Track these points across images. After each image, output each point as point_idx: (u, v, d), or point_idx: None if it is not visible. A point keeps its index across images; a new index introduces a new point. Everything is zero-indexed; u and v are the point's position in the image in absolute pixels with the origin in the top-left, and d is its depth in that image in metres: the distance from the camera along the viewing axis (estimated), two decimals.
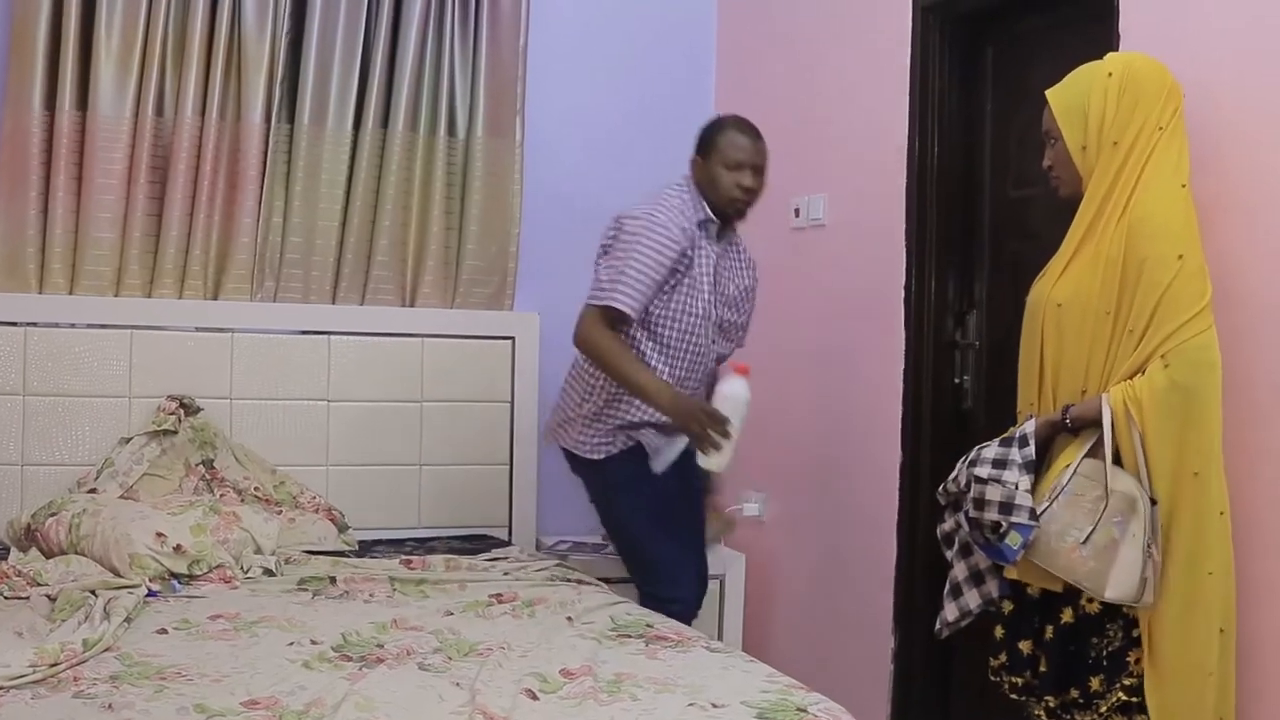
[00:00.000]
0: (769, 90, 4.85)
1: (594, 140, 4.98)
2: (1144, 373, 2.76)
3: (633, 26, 5.04)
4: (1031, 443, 2.87)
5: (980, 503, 2.87)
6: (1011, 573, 2.96)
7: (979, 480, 2.88)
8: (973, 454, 2.98)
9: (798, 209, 4.61)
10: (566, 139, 4.93)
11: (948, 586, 3.11)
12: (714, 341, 3.87)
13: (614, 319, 3.69)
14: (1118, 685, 2.82)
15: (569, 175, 4.93)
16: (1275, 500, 2.87)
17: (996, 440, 2.96)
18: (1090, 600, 2.85)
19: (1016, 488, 2.81)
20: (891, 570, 4.14)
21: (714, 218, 3.81)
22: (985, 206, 4.03)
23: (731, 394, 3.53)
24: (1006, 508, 2.82)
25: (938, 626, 3.15)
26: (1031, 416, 2.97)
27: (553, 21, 4.87)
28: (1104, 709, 2.83)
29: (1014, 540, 2.81)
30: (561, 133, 4.91)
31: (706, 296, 3.80)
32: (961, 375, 4.07)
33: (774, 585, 4.39)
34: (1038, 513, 2.80)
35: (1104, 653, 2.84)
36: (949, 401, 4.08)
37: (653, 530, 3.87)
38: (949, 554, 3.14)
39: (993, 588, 3.05)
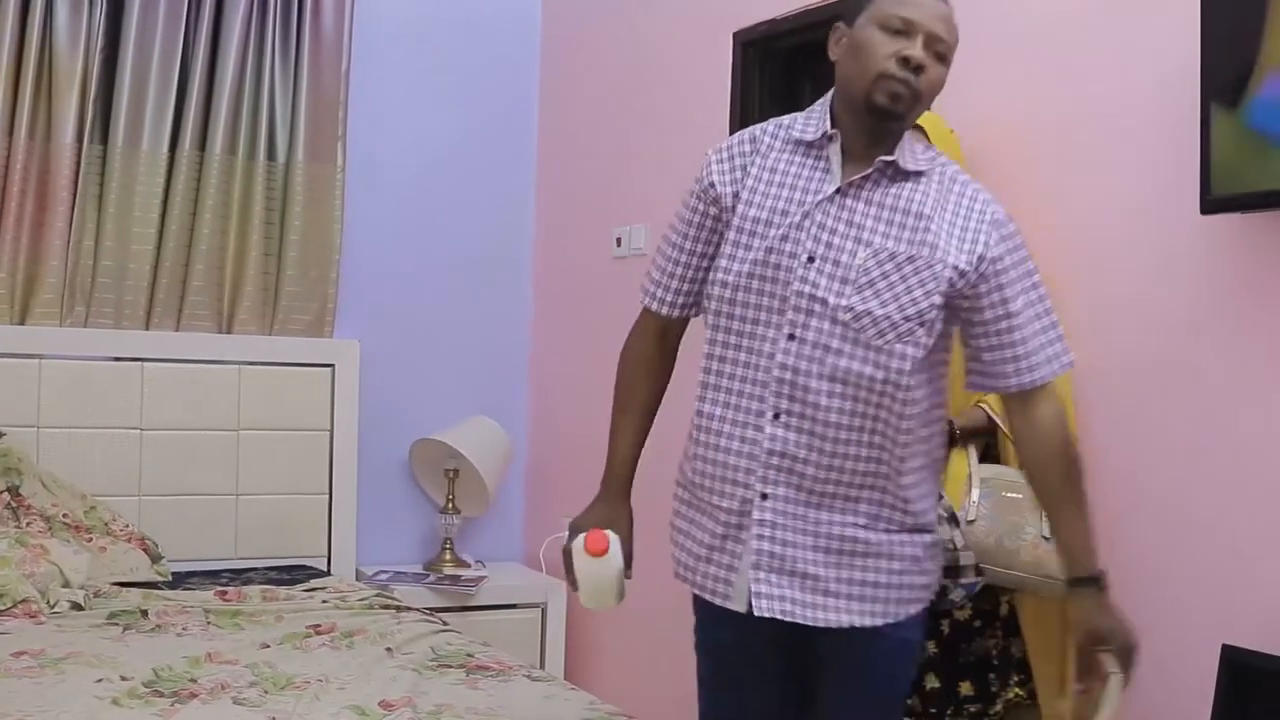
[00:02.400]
0: (592, 119, 4.89)
1: (417, 165, 4.97)
2: None
3: (456, 53, 5.04)
4: (943, 492, 2.86)
5: None
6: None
7: None
8: None
9: (619, 238, 4.64)
10: (389, 164, 4.90)
11: None
12: (798, 338, 2.35)
13: (655, 320, 2.74)
14: (1013, 682, 2.95)
15: (392, 200, 4.91)
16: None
17: None
18: (962, 607, 2.94)
19: (954, 545, 2.79)
20: None
21: (831, 130, 2.38)
22: None
23: (587, 569, 2.51)
24: (951, 570, 2.79)
25: None
26: None
27: (376, 47, 4.84)
28: (997, 708, 2.93)
29: (957, 595, 2.84)
30: (385, 158, 4.88)
31: (755, 254, 2.39)
32: None
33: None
34: (971, 519, 2.84)
35: (990, 654, 2.96)
36: None
37: (705, 677, 2.83)
38: None
39: None
